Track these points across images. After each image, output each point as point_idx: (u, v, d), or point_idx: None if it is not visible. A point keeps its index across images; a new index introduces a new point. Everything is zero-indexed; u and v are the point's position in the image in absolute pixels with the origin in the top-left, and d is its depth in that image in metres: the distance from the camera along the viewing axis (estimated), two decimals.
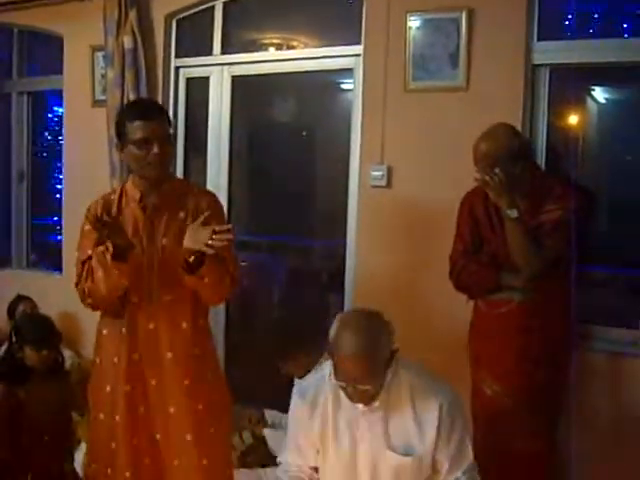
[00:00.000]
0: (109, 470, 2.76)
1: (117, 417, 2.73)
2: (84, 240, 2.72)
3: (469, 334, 3.21)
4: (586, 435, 3.21)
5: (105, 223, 2.49)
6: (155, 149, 2.61)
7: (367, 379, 2.18)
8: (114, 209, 2.74)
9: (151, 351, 2.72)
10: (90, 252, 2.64)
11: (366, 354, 2.17)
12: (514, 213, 2.86)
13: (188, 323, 2.72)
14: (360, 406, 2.26)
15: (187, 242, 2.53)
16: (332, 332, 2.26)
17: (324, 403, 2.35)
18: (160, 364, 2.71)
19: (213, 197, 2.82)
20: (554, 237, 2.90)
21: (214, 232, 2.44)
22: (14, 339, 3.36)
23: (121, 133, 2.67)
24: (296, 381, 2.51)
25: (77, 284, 2.72)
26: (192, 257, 2.52)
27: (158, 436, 2.75)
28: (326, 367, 2.39)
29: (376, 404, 2.26)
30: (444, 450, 2.27)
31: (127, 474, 2.74)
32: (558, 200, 2.92)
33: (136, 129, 2.61)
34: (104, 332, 2.82)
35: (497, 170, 2.86)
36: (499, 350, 3.01)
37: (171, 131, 2.73)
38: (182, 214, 2.71)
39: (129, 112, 2.74)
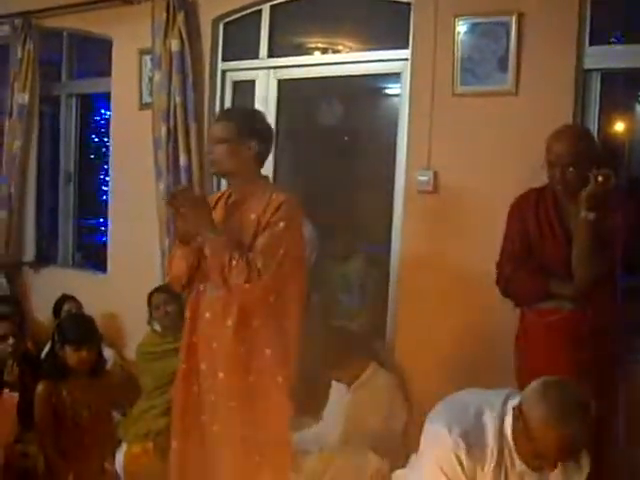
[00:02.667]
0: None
1: (177, 393, 2.98)
2: None
3: (515, 343, 3.15)
4: (635, 449, 3.14)
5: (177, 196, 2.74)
6: (213, 149, 2.88)
7: (567, 457, 2.17)
8: (216, 203, 2.97)
9: (205, 338, 2.87)
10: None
11: (573, 437, 2.13)
12: (592, 216, 2.78)
13: (233, 321, 2.78)
14: (518, 464, 2.22)
15: None
16: (536, 410, 2.15)
17: (488, 457, 2.25)
18: (209, 351, 2.85)
19: (285, 201, 2.78)
20: (611, 245, 2.83)
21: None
22: (56, 338, 3.40)
23: None
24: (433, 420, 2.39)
25: None
26: None
27: (203, 417, 2.89)
28: (488, 420, 2.28)
29: None
30: None
31: (177, 445, 2.96)
32: (615, 208, 2.84)
33: None
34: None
35: (606, 171, 2.76)
36: (546, 359, 2.95)
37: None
38: (253, 216, 2.79)
39: None
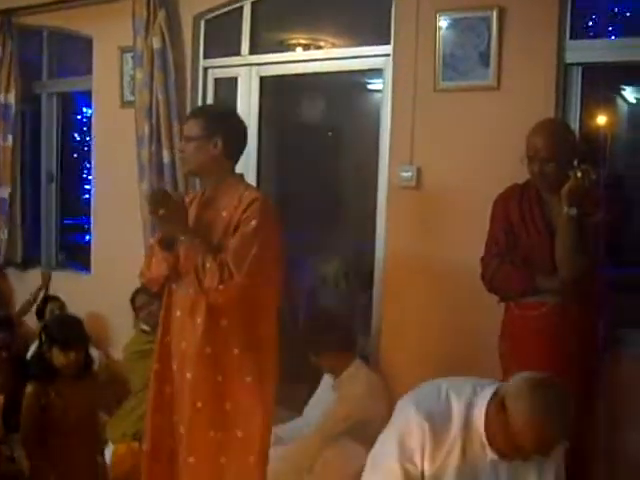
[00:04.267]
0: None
1: (149, 394, 2.96)
2: None
3: (500, 336, 3.16)
4: (617, 439, 3.17)
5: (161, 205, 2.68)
6: (183, 147, 2.89)
7: (546, 453, 2.19)
8: (191, 203, 2.95)
9: (176, 337, 2.86)
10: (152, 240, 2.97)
11: (554, 436, 2.15)
12: (574, 211, 2.80)
13: (202, 319, 2.76)
14: (489, 454, 2.25)
15: None
16: (520, 403, 2.15)
17: (451, 443, 2.27)
18: (179, 351, 2.84)
19: (256, 199, 2.76)
20: (594, 239, 2.85)
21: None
22: (44, 339, 3.38)
23: None
24: (411, 401, 2.40)
25: None
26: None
27: (175, 418, 2.87)
28: (455, 404, 2.30)
29: None
30: None
31: (146, 447, 2.94)
32: (596, 202, 2.87)
33: None
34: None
35: (585, 166, 2.79)
36: (531, 353, 2.96)
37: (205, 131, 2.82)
38: (225, 213, 2.78)
39: None
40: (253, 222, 2.69)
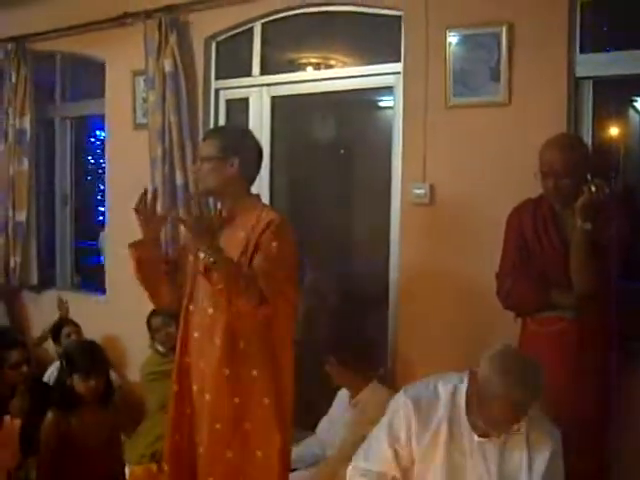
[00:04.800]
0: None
1: (169, 414, 2.94)
2: None
3: None
4: (636, 451, 3.14)
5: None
6: (198, 167, 2.89)
7: (514, 425, 2.33)
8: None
9: (195, 358, 2.86)
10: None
11: (523, 404, 2.29)
12: (588, 225, 2.80)
13: (221, 341, 2.75)
14: (476, 437, 2.37)
15: None
16: (486, 371, 2.34)
17: (438, 423, 2.43)
18: (198, 371, 2.84)
19: (273, 220, 2.74)
20: (609, 253, 2.84)
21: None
22: (64, 366, 3.37)
23: None
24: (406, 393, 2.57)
25: None
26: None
27: (197, 439, 2.86)
28: (441, 390, 2.49)
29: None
30: None
31: (167, 468, 2.93)
32: (611, 216, 2.85)
33: None
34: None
35: (598, 180, 2.80)
36: (548, 368, 2.94)
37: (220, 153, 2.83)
38: (242, 234, 2.77)
39: None
40: (274, 244, 2.68)
